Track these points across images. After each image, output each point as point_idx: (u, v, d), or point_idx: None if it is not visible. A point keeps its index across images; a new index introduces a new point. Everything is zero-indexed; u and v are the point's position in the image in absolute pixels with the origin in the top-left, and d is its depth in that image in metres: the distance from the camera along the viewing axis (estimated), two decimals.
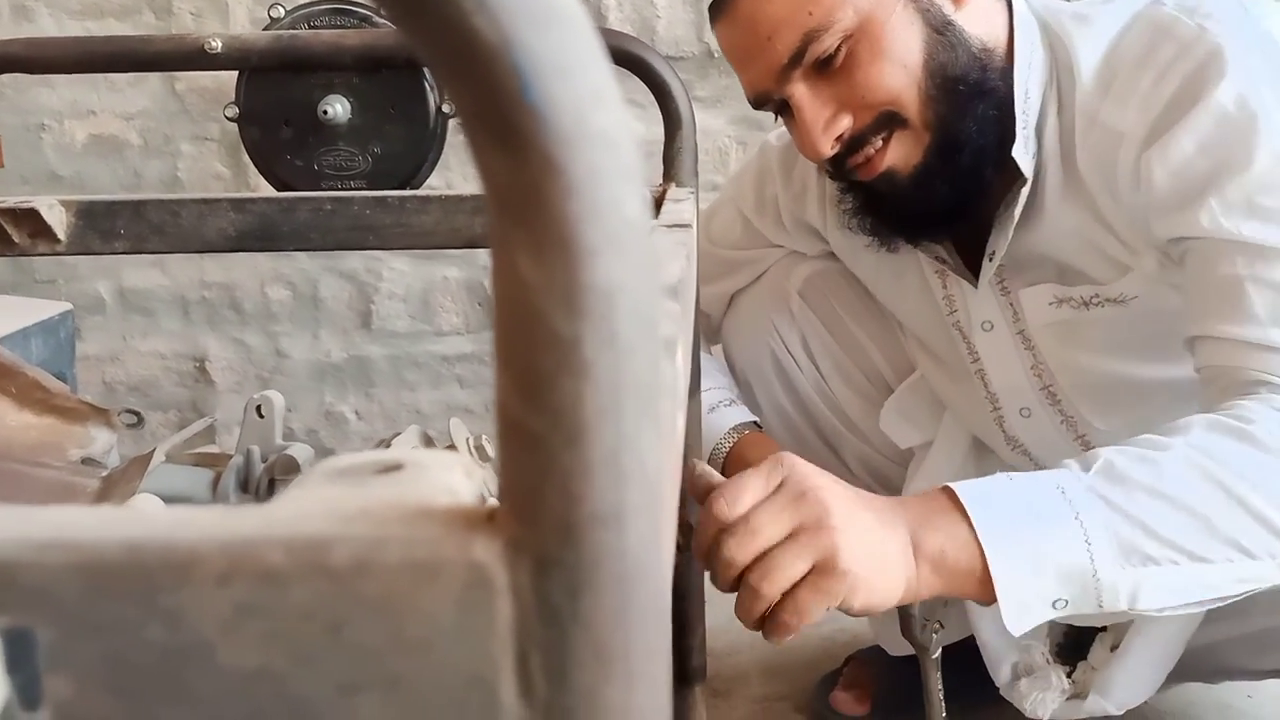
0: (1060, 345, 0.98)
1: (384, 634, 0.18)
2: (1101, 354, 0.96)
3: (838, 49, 0.85)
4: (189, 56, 0.92)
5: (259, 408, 0.71)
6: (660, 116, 0.92)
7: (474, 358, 1.89)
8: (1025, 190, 0.91)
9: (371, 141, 0.94)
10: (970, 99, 0.88)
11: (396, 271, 1.86)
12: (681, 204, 0.82)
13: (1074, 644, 1.05)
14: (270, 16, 0.98)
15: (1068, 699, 1.02)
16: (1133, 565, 0.69)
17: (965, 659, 1.08)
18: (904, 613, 0.78)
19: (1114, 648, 1.00)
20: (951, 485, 0.71)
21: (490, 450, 0.89)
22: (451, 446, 0.81)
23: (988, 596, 0.69)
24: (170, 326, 1.87)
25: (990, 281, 0.98)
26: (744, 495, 0.67)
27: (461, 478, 0.23)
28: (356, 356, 1.88)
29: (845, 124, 0.87)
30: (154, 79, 1.79)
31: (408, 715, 0.19)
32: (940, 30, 0.87)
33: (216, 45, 0.90)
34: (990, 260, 0.96)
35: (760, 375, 1.14)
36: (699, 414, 0.98)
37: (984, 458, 1.09)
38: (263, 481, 0.76)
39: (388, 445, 0.73)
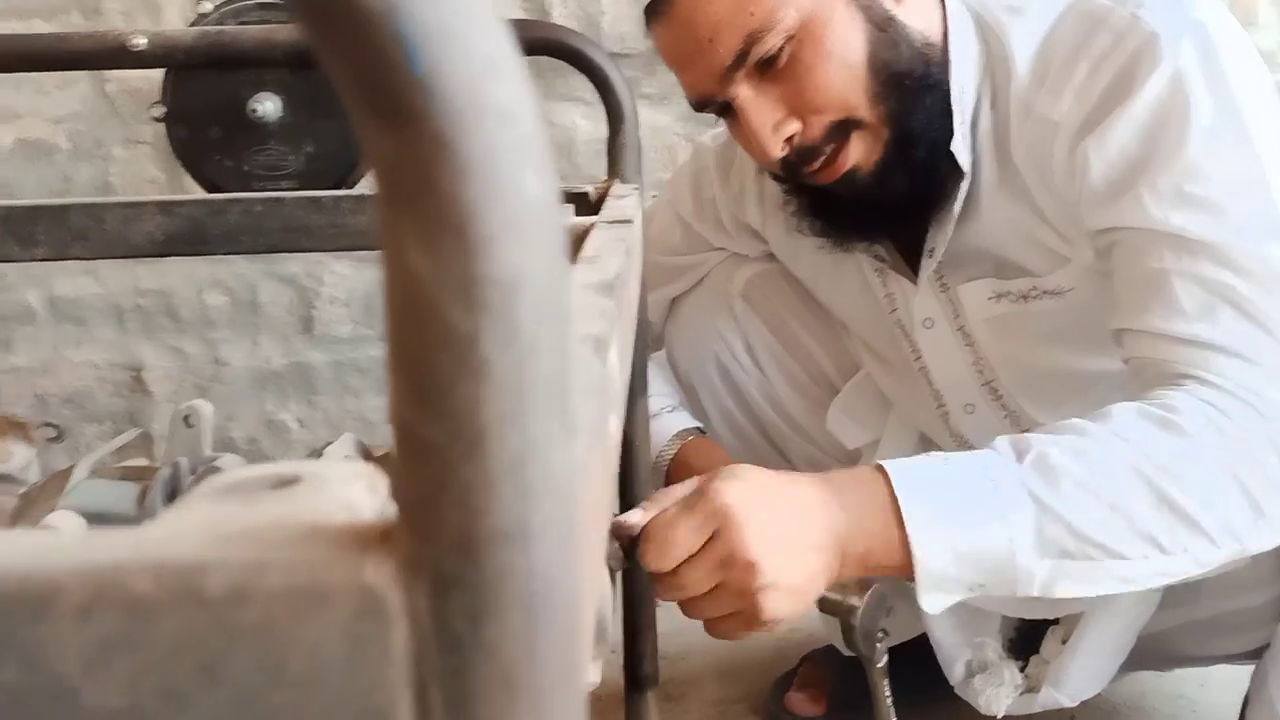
0: (1000, 340, 0.98)
1: (265, 668, 0.17)
2: (1042, 347, 0.96)
3: (780, 49, 0.84)
4: (111, 54, 0.89)
5: (186, 417, 0.69)
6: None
7: None
8: (964, 185, 0.90)
9: (304, 140, 0.92)
10: (917, 93, 0.87)
11: (338, 275, 1.83)
12: (624, 200, 0.81)
13: (1026, 638, 1.04)
14: (198, 12, 0.95)
15: (1021, 694, 1.02)
16: (1051, 558, 0.71)
17: (918, 656, 1.08)
18: (845, 625, 0.78)
19: (1065, 640, 0.99)
20: (887, 468, 0.73)
21: None
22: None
23: (906, 578, 0.72)
24: (104, 335, 1.82)
25: (929, 278, 0.98)
26: (674, 548, 0.69)
27: (363, 492, 0.21)
28: (298, 363, 1.84)
29: (794, 127, 0.86)
30: (83, 81, 1.74)
31: None
32: (882, 27, 0.86)
33: (140, 42, 0.87)
34: (930, 257, 0.96)
35: (705, 379, 1.13)
36: (646, 415, 0.97)
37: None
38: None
39: (319, 455, 0.71)
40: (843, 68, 0.84)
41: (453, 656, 0.17)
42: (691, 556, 0.69)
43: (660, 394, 1.08)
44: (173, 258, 1.75)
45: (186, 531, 0.18)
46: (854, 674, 1.14)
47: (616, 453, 0.38)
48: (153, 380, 1.83)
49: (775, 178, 0.96)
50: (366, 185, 0.99)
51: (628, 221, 0.67)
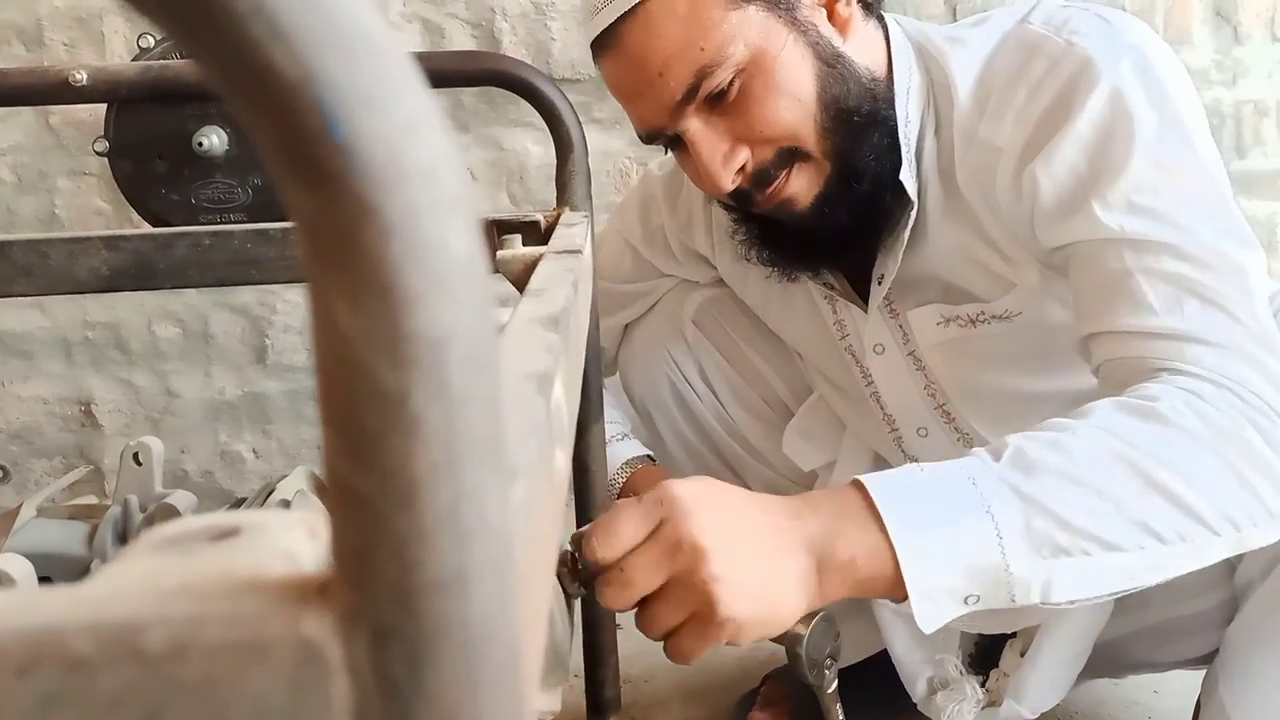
0: (950, 364, 0.99)
1: None
2: (991, 371, 0.97)
3: (730, 83, 0.84)
4: (53, 90, 0.88)
5: (136, 455, 0.68)
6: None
7: None
8: (912, 213, 0.91)
9: (250, 173, 0.91)
10: (865, 129, 0.88)
11: (291, 304, 1.81)
12: (574, 228, 0.81)
13: (985, 652, 1.06)
14: (140, 46, 0.94)
15: (983, 708, 1.03)
16: (1044, 558, 0.68)
17: (880, 673, 1.09)
18: (791, 654, 0.75)
19: (1024, 653, 1.00)
20: (863, 480, 0.70)
21: None
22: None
23: (898, 596, 0.68)
24: (52, 369, 1.80)
25: (879, 305, 0.99)
26: (618, 538, 0.65)
27: (303, 539, 0.21)
28: (252, 393, 1.83)
29: (743, 156, 0.87)
30: (26, 112, 1.72)
31: None
32: (831, 63, 0.87)
33: (81, 77, 0.86)
34: (879, 284, 0.97)
35: (660, 405, 1.14)
36: (603, 441, 0.97)
37: None
38: (141, 533, 0.72)
39: (271, 491, 0.70)
40: (792, 101, 0.85)
41: (394, 705, 0.17)
42: (638, 546, 0.64)
43: (612, 421, 1.09)
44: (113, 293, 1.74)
45: (125, 588, 0.18)
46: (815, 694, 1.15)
47: (564, 486, 0.38)
48: (103, 414, 1.81)
49: (724, 206, 0.97)
50: None
51: (577, 251, 0.68)
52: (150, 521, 0.74)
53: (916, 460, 1.03)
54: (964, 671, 1.04)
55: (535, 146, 1.76)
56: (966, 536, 0.67)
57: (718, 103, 0.85)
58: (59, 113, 1.73)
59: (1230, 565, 0.90)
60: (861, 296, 1.00)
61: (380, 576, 0.17)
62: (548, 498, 0.32)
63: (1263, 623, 0.86)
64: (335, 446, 0.17)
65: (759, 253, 0.97)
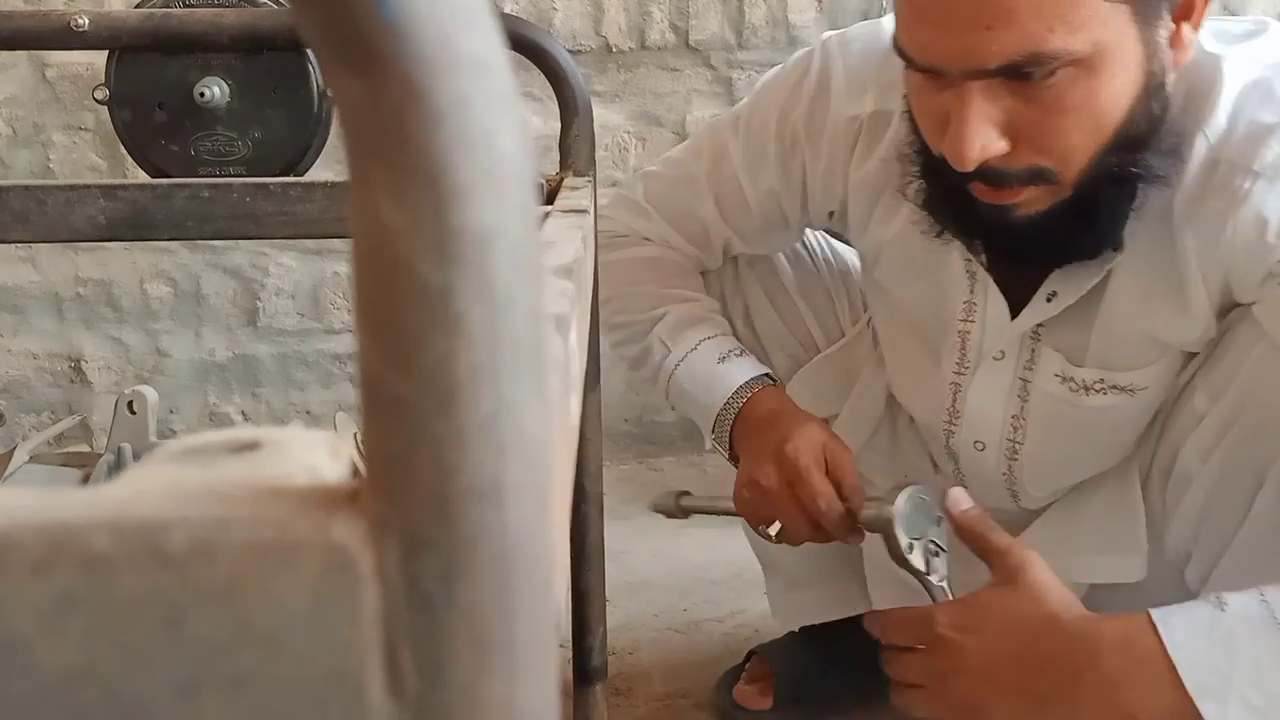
0: (1047, 418, 0.92)
1: (229, 627, 0.16)
2: (1081, 441, 0.92)
3: (1050, 73, 0.71)
4: (54, 34, 0.87)
5: (130, 403, 0.67)
6: (557, 110, 0.90)
7: None
8: (1118, 258, 0.82)
9: (251, 126, 0.90)
10: (1135, 182, 0.78)
11: (284, 267, 1.80)
12: (579, 192, 0.81)
13: None
14: None
15: None
16: None
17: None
18: (887, 539, 0.81)
19: None
20: (1159, 629, 0.70)
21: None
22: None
23: None
24: (43, 325, 1.78)
25: (1030, 325, 0.89)
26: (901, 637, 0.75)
27: (326, 457, 0.20)
28: (242, 355, 1.81)
29: (1001, 149, 0.74)
30: (23, 65, 1.70)
31: (258, 717, 0.16)
32: (1154, 98, 0.75)
33: (83, 22, 0.85)
34: (1048, 301, 0.86)
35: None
36: (599, 406, 0.97)
37: (895, 439, 1.08)
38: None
39: None
40: (1091, 126, 0.74)
41: (424, 617, 0.17)
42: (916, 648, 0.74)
43: (723, 334, 0.99)
44: (115, 246, 1.72)
45: (145, 490, 0.18)
46: (802, 667, 1.15)
47: (576, 435, 0.38)
48: (92, 371, 1.79)
49: (921, 153, 0.84)
50: (315, 174, 0.97)
51: (583, 211, 0.67)
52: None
53: (957, 457, 0.99)
54: None
55: (534, 117, 1.75)
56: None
57: (1022, 79, 0.71)
58: (55, 66, 1.72)
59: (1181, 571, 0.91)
60: (1009, 293, 0.89)
61: (415, 483, 0.16)
62: (564, 441, 0.31)
63: None
64: (372, 347, 0.17)
65: (927, 201, 0.85)
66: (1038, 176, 0.76)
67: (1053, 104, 0.72)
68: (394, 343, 0.16)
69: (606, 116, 1.80)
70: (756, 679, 1.15)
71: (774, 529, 0.89)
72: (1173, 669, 0.68)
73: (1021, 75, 0.71)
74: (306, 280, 1.81)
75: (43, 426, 1.76)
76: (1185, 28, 0.75)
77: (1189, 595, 0.89)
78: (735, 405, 0.96)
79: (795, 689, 1.14)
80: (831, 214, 0.99)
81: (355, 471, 0.21)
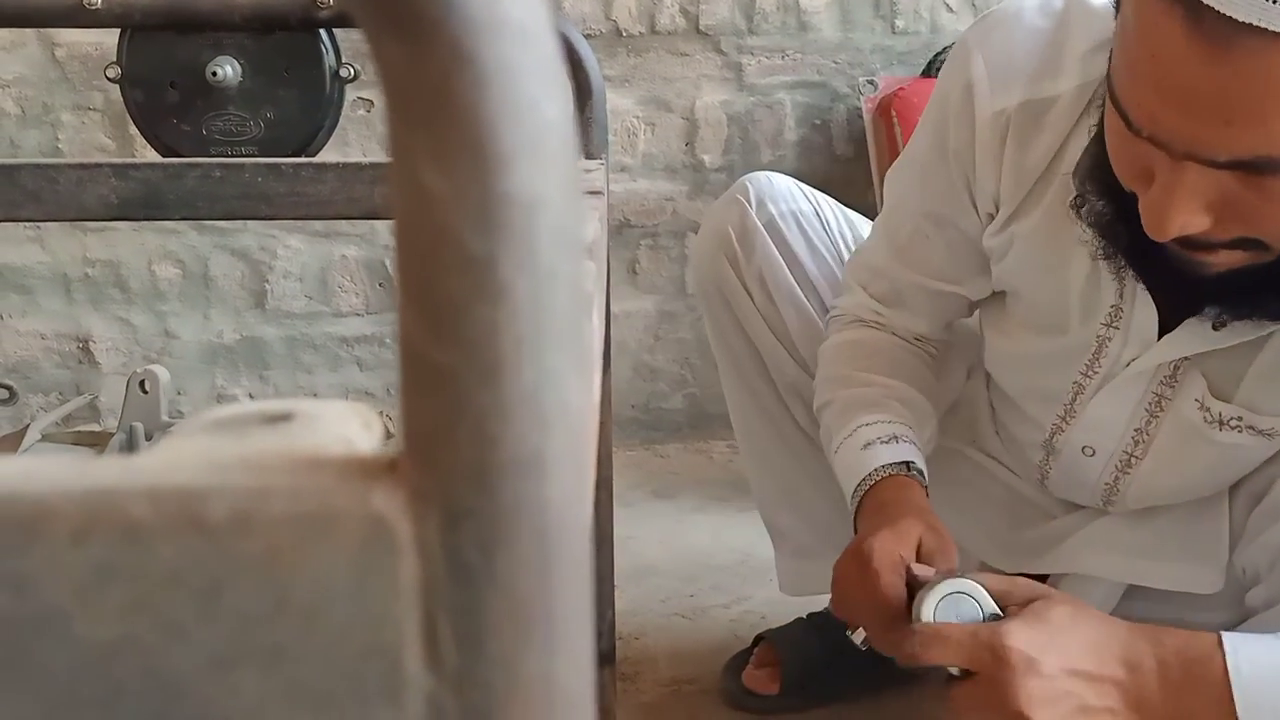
0: (1175, 441, 0.89)
1: (267, 598, 0.16)
2: (1201, 471, 0.90)
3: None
4: (66, 12, 0.86)
5: (143, 383, 0.67)
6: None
7: (374, 339, 1.83)
8: None
9: (263, 106, 0.90)
10: None
11: (292, 250, 1.80)
12: (592, 174, 0.80)
13: None
14: None
15: None
16: None
17: None
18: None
19: None
20: (1228, 654, 0.68)
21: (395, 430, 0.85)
22: None
23: None
24: (51, 305, 1.78)
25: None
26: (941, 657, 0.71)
27: (359, 429, 0.20)
28: (250, 338, 1.81)
29: (1203, 225, 0.69)
30: (32, 44, 1.69)
31: (295, 691, 0.16)
32: None
33: (96, 0, 0.84)
34: (1215, 330, 0.81)
35: (714, 297, 1.09)
36: (609, 391, 0.96)
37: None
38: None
39: None
40: None
41: (464, 589, 0.16)
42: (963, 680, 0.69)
43: (876, 420, 0.93)
44: (123, 227, 1.72)
45: (182, 460, 0.18)
46: (809, 653, 1.15)
47: (595, 419, 0.38)
48: (100, 352, 1.79)
49: (1108, 177, 0.77)
50: (327, 154, 0.97)
51: (598, 193, 0.67)
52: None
53: (1058, 454, 0.95)
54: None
55: None
56: None
57: (1242, 169, 0.67)
58: (65, 45, 1.71)
59: (1242, 587, 0.90)
60: (1161, 305, 0.83)
61: (456, 454, 0.16)
62: (592, 423, 0.31)
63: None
64: (414, 318, 0.16)
65: (1103, 224, 0.79)
66: (1244, 244, 0.71)
67: (1266, 196, 0.67)
68: (437, 313, 0.16)
69: (616, 101, 1.79)
70: (764, 664, 1.16)
71: (858, 636, 0.83)
72: (1230, 697, 0.66)
73: (1247, 168, 0.67)
74: (314, 263, 1.81)
75: (50, 407, 1.76)
76: None
77: (1241, 612, 0.89)
78: (863, 490, 0.91)
79: (802, 674, 1.14)
80: (991, 216, 0.92)
81: (387, 444, 0.21)
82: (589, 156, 0.91)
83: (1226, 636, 0.70)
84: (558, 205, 0.16)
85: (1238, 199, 0.67)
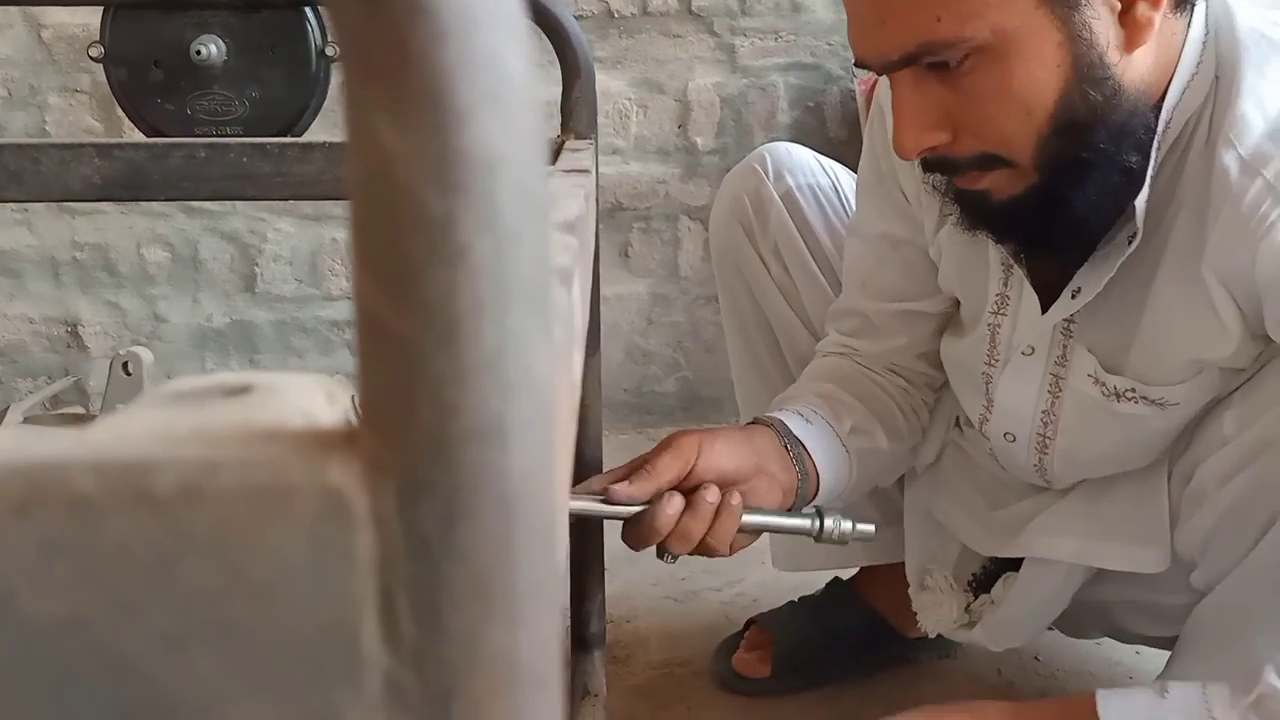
0: (1080, 416, 0.91)
1: (219, 574, 0.15)
2: (1113, 445, 0.91)
3: (961, 60, 0.72)
4: None
5: (126, 364, 0.66)
6: (558, 76, 0.88)
7: None
8: (1133, 245, 0.80)
9: (249, 85, 0.89)
10: (1095, 168, 0.76)
11: (282, 233, 1.79)
12: (581, 153, 0.80)
13: (991, 576, 1.06)
14: None
15: (959, 626, 1.04)
16: None
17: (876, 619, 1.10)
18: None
19: None
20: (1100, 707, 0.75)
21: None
22: None
23: None
24: (39, 289, 1.77)
25: (1059, 321, 0.88)
26: None
27: (321, 401, 0.20)
28: (240, 321, 1.80)
29: (940, 139, 0.76)
30: (18, 25, 1.68)
31: (249, 669, 0.16)
32: (1089, 83, 0.73)
33: None
34: (1072, 299, 0.85)
35: (730, 272, 1.11)
36: (599, 373, 0.96)
37: (964, 460, 1.08)
38: None
39: None
40: (1019, 112, 0.73)
41: (422, 563, 0.16)
42: None
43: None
44: (111, 210, 1.71)
45: (132, 432, 0.17)
46: (800, 637, 1.15)
47: (578, 393, 0.37)
48: (89, 335, 1.78)
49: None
50: (313, 134, 0.96)
51: (585, 171, 0.66)
52: None
53: (986, 437, 0.99)
54: (952, 586, 1.05)
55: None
56: None
57: (940, 69, 0.73)
58: (52, 27, 1.70)
59: (1186, 569, 0.91)
60: (1042, 289, 0.88)
61: (414, 423, 0.16)
62: (565, 396, 0.30)
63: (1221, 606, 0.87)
64: (370, 281, 0.16)
65: (953, 198, 0.85)
66: (990, 161, 0.77)
67: (971, 91, 0.73)
68: (393, 275, 0.15)
69: (608, 83, 1.78)
70: (755, 647, 1.15)
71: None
72: None
73: (938, 66, 0.73)
74: (304, 246, 1.80)
75: (38, 391, 1.75)
76: (1141, 6, 0.72)
77: (1197, 593, 0.90)
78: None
79: (794, 658, 1.14)
80: (923, 229, 0.99)
81: (351, 418, 0.20)
82: (578, 136, 0.90)
83: (1100, 693, 0.78)
84: (520, 162, 0.16)
85: (952, 106, 0.74)
